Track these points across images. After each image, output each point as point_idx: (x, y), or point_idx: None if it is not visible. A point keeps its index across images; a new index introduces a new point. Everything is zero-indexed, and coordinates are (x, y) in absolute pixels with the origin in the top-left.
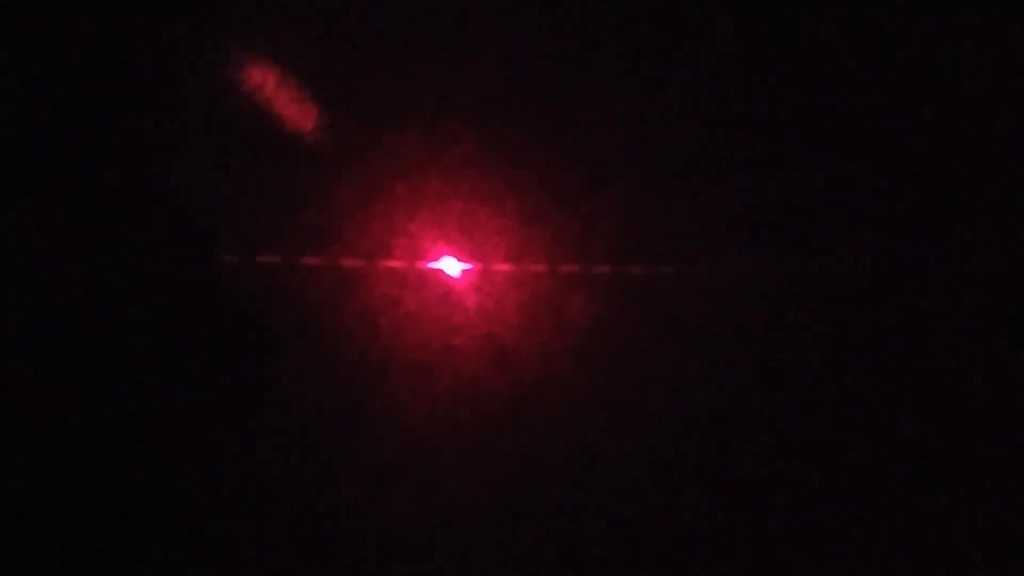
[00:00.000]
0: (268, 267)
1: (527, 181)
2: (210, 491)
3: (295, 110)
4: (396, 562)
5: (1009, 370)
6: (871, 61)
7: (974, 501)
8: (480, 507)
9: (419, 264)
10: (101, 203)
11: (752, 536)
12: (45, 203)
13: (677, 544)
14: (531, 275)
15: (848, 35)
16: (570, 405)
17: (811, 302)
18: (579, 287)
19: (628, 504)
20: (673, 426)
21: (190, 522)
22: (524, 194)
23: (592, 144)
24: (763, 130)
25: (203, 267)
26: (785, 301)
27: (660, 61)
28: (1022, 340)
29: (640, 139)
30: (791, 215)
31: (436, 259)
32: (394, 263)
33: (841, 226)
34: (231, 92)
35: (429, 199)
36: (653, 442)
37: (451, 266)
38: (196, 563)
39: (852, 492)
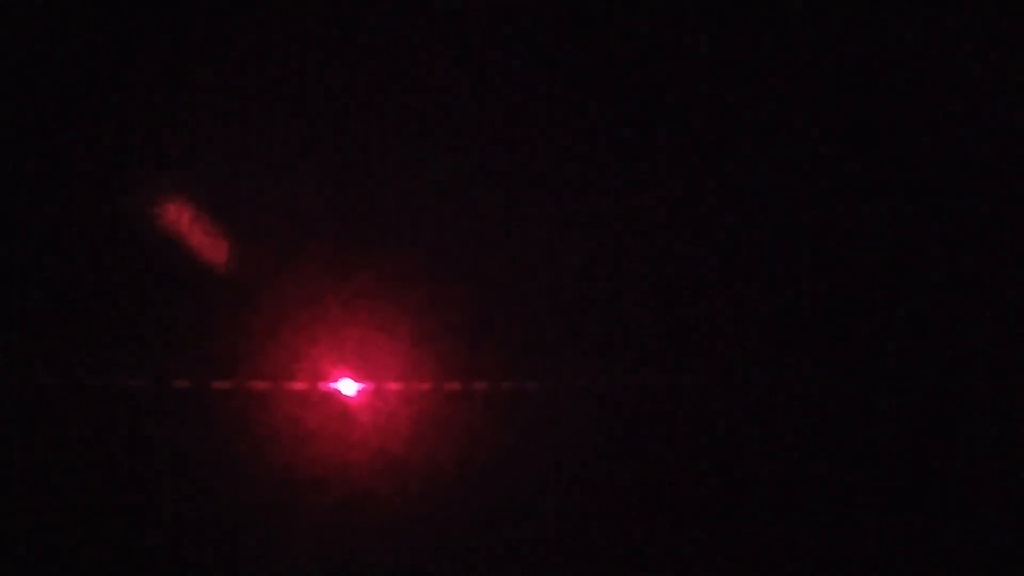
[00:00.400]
0: (179, 391)
1: (415, 306)
2: None
3: (203, 243)
4: None
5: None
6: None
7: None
8: None
9: (318, 385)
10: None
11: None
12: None
13: None
14: (419, 392)
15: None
16: (457, 512)
17: (680, 416)
18: (462, 402)
19: None
20: (557, 530)
21: None
22: (412, 318)
23: (474, 267)
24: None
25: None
26: (655, 414)
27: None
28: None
29: (522, 262)
30: (663, 333)
31: (334, 380)
32: (295, 384)
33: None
34: (141, 223)
35: (327, 325)
36: (537, 547)
37: (347, 386)
38: None
39: None
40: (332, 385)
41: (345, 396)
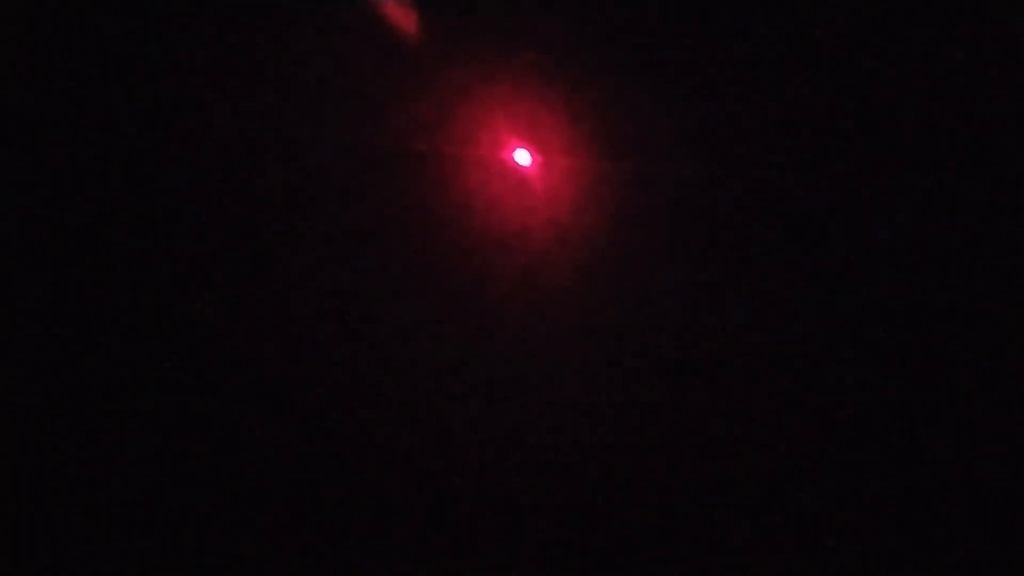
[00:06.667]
0: (369, 152)
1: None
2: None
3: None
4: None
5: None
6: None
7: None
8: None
9: (497, 154)
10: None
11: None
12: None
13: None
14: (592, 168)
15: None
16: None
17: None
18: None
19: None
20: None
21: None
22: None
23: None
24: None
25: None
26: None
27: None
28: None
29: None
30: None
31: (511, 150)
32: (471, 151)
33: None
34: None
35: (504, 96)
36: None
37: (523, 157)
38: None
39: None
40: (508, 154)
41: (521, 166)
